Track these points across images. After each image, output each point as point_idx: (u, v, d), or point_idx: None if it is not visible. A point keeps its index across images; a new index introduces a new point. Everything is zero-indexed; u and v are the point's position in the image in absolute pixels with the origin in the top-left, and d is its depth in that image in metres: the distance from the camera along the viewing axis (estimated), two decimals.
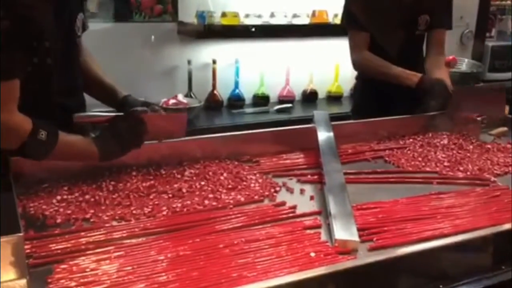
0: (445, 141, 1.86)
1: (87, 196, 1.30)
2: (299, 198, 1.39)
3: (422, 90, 2.01)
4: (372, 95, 2.22)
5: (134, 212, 1.24)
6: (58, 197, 1.29)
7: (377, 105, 2.14)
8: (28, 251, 1.03)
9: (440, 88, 1.98)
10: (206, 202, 1.32)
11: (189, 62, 2.97)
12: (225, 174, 1.49)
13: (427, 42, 2.25)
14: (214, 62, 3.02)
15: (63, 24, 1.42)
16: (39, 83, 1.33)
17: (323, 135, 1.65)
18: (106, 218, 1.21)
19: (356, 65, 2.23)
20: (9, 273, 0.91)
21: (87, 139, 1.33)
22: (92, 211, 1.24)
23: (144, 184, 1.39)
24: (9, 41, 1.16)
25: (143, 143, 1.40)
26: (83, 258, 1.04)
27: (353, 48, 2.20)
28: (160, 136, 1.47)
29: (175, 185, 1.40)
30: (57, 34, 1.37)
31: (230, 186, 1.41)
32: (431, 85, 2.01)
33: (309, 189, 1.45)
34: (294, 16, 3.13)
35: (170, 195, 1.34)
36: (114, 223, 1.19)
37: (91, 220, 1.20)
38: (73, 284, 0.95)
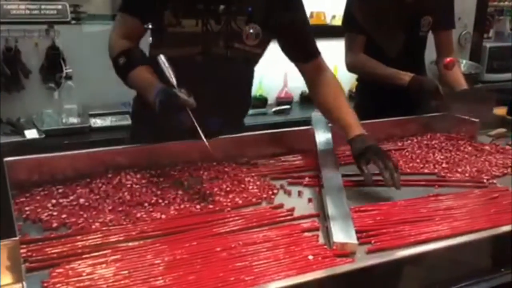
0: (444, 143, 1.85)
1: (81, 200, 1.29)
2: (297, 201, 1.38)
3: (413, 90, 2.02)
4: (373, 97, 2.22)
5: (130, 215, 1.23)
6: (53, 201, 1.28)
7: (378, 106, 2.14)
8: (24, 255, 1.03)
9: (430, 87, 1.98)
10: (203, 204, 1.31)
11: None
12: (222, 177, 1.49)
13: (436, 44, 2.26)
14: None
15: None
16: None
17: (321, 137, 1.64)
18: (101, 222, 1.19)
19: (349, 67, 2.24)
20: (5, 278, 0.90)
21: (152, 85, 1.42)
22: (86, 215, 1.22)
23: (140, 187, 1.38)
24: None
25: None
26: (79, 262, 1.03)
27: (349, 51, 2.21)
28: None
29: (172, 188, 1.39)
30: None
31: (228, 189, 1.41)
32: (421, 84, 2.01)
33: (307, 191, 1.44)
34: None
35: (167, 198, 1.33)
36: (110, 227, 1.18)
37: (86, 224, 1.19)
38: None
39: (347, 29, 2.21)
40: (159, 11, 1.54)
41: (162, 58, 1.41)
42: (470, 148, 1.81)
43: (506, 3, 4.18)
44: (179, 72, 1.38)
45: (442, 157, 1.72)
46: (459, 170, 1.62)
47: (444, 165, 1.65)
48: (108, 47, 1.59)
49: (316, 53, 1.73)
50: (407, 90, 2.04)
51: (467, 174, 1.59)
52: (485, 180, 1.54)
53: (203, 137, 1.34)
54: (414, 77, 2.04)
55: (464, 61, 3.51)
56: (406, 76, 2.05)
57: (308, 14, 3.12)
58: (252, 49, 1.63)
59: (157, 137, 1.54)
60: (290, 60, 1.75)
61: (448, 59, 2.07)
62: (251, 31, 1.58)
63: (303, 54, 1.72)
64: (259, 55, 1.70)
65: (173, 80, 1.36)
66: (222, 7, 1.55)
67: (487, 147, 1.82)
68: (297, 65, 1.75)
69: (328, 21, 3.21)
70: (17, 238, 0.93)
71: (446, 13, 2.22)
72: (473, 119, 1.94)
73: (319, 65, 1.73)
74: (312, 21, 3.15)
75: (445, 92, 1.97)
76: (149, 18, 1.59)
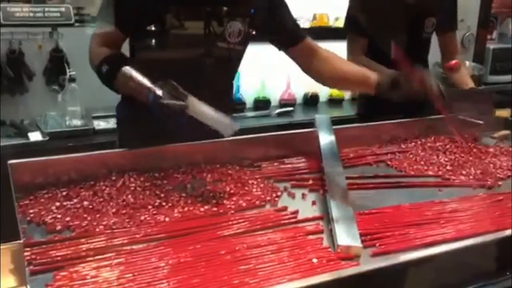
0: (447, 145, 1.84)
1: (85, 203, 1.29)
2: (301, 203, 1.38)
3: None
4: (376, 99, 2.21)
5: (134, 218, 1.23)
6: (57, 204, 1.28)
7: (382, 108, 2.13)
8: (28, 258, 1.02)
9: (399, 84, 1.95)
10: (207, 207, 1.31)
11: None
12: (226, 179, 1.49)
13: (440, 46, 2.26)
14: None
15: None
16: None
17: (325, 139, 1.64)
18: (105, 224, 1.19)
19: None
20: (9, 280, 0.91)
21: (144, 85, 1.40)
22: (90, 217, 1.22)
23: (144, 190, 1.38)
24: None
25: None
26: (83, 265, 1.03)
27: (349, 53, 2.21)
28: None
29: (176, 190, 1.39)
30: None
31: (231, 191, 1.40)
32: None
33: (311, 194, 1.44)
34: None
35: (170, 201, 1.33)
36: (114, 229, 1.18)
37: (90, 226, 1.19)
38: None
39: (349, 31, 2.21)
40: (141, 17, 1.54)
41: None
42: (474, 150, 1.80)
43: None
44: (164, 73, 1.39)
45: (446, 159, 1.72)
46: (464, 172, 1.61)
47: (448, 167, 1.65)
48: (89, 57, 1.56)
49: (303, 34, 1.76)
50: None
51: (471, 177, 1.58)
52: (489, 183, 1.53)
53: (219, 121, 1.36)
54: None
55: (467, 63, 3.50)
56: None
57: (311, 16, 3.15)
58: (235, 46, 1.64)
59: (147, 141, 1.51)
60: (280, 49, 1.77)
61: (453, 61, 2.07)
62: (233, 28, 1.59)
63: (291, 36, 1.74)
64: (242, 52, 1.71)
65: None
66: (204, 6, 1.56)
67: (491, 149, 1.82)
68: (288, 52, 1.77)
69: (331, 23, 3.21)
70: (21, 241, 0.94)
71: (449, 14, 2.22)
72: (477, 121, 1.93)
73: (310, 45, 1.76)
74: (315, 23, 3.16)
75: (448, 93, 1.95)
76: (129, 26, 1.57)
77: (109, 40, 1.57)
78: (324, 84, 1.87)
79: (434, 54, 2.34)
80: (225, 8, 1.59)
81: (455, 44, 2.29)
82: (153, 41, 1.58)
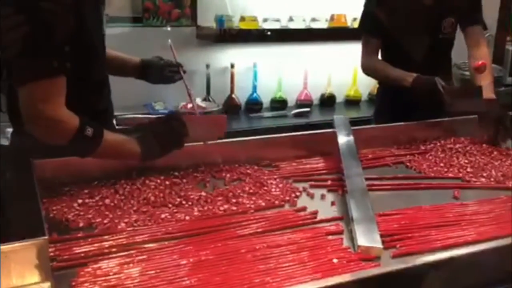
0: (467, 147, 1.83)
1: (107, 201, 1.31)
2: (320, 204, 1.38)
3: (415, 90, 1.98)
4: (393, 100, 2.21)
5: (155, 216, 1.24)
6: (80, 201, 1.30)
7: (398, 109, 2.12)
8: (52, 254, 1.04)
9: (430, 87, 1.94)
10: (227, 206, 1.31)
11: (207, 66, 2.97)
12: (245, 179, 1.49)
13: (466, 43, 2.19)
14: (232, 66, 3.03)
15: (96, 20, 1.44)
16: (76, 82, 1.31)
17: (343, 139, 1.64)
18: (126, 222, 1.21)
19: (363, 69, 2.24)
20: (34, 276, 0.92)
21: (130, 139, 1.35)
22: (112, 215, 1.24)
23: (164, 188, 1.40)
24: (54, 38, 1.20)
25: (184, 145, 1.41)
26: (106, 261, 1.04)
27: (364, 53, 2.20)
28: (201, 137, 1.51)
29: (196, 189, 1.40)
30: (92, 30, 1.39)
31: (250, 191, 1.41)
32: (422, 83, 1.97)
33: (329, 194, 1.44)
34: (313, 20, 3.12)
35: (190, 200, 1.34)
36: (135, 227, 1.19)
37: (112, 224, 1.20)
38: (97, 287, 0.96)
39: (363, 31, 2.20)
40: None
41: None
42: (495, 152, 1.79)
43: None
44: None
45: (466, 161, 1.70)
46: (484, 174, 1.60)
47: (468, 169, 1.64)
48: (56, 127, 1.24)
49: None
50: (411, 90, 2.00)
51: (492, 179, 1.57)
52: (511, 185, 1.52)
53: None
54: (416, 77, 2.00)
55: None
56: (409, 77, 2.00)
57: (328, 16, 3.14)
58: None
59: None
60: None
61: (479, 62, 1.99)
62: None
63: None
64: None
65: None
66: None
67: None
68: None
69: (349, 23, 3.20)
70: (46, 237, 0.95)
71: (470, 10, 2.16)
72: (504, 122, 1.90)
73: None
74: (333, 24, 3.15)
75: (446, 89, 1.92)
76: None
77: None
78: None
79: (454, 55, 2.31)
80: None
81: (479, 39, 2.16)
82: None
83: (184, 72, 1.77)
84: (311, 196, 1.42)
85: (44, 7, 1.19)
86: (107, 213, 1.25)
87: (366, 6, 2.20)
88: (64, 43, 1.24)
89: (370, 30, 2.15)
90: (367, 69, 2.22)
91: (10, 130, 1.51)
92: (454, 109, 1.90)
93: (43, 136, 1.26)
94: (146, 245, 1.11)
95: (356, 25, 3.13)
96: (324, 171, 1.60)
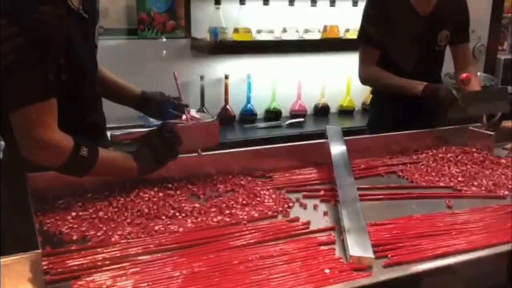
0: (459, 156, 1.85)
1: (100, 213, 1.31)
2: (313, 214, 1.39)
3: (427, 97, 2.02)
4: (387, 109, 2.23)
5: (148, 228, 1.25)
6: (73, 214, 1.30)
7: (392, 119, 2.14)
8: (45, 267, 1.04)
9: (444, 93, 1.98)
10: (220, 217, 1.32)
11: (201, 77, 2.99)
12: (238, 190, 1.50)
13: (453, 58, 2.27)
14: (226, 77, 3.04)
15: (84, 38, 1.41)
16: (66, 100, 1.31)
17: (336, 150, 1.65)
18: (120, 234, 1.21)
19: (363, 79, 2.26)
20: None
21: (125, 155, 1.36)
22: (105, 227, 1.24)
23: (157, 201, 1.40)
24: (42, 61, 1.20)
25: (178, 155, 1.44)
26: (99, 274, 1.04)
27: (363, 63, 2.22)
28: (195, 146, 1.53)
29: (189, 201, 1.41)
30: (79, 48, 1.36)
31: (244, 202, 1.42)
32: (436, 91, 2.01)
33: (322, 204, 1.45)
34: (306, 31, 3.15)
35: (184, 211, 1.35)
36: (129, 239, 1.20)
37: (106, 236, 1.21)
38: None
39: (362, 42, 2.22)
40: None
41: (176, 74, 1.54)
42: (486, 161, 1.80)
43: None
44: None
45: (457, 170, 1.72)
46: (475, 183, 1.61)
47: (460, 178, 1.65)
48: (52, 152, 1.24)
49: None
50: (422, 99, 2.03)
51: (483, 188, 1.58)
52: (501, 194, 1.53)
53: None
54: (428, 85, 2.04)
55: (478, 74, 3.49)
56: (420, 85, 2.05)
57: (321, 27, 3.17)
58: None
59: None
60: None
61: (464, 74, 2.07)
62: None
63: None
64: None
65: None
66: None
67: (503, 161, 1.82)
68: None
69: (341, 34, 3.22)
70: (39, 250, 0.95)
71: (462, 27, 2.22)
72: (488, 132, 1.93)
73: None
74: (325, 35, 3.17)
75: (460, 96, 1.96)
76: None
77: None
78: None
79: (445, 65, 2.35)
80: None
81: (467, 56, 2.30)
82: None
83: (189, 112, 1.62)
84: (304, 207, 1.43)
85: (33, 31, 1.17)
86: (100, 225, 1.25)
87: (364, 17, 2.23)
88: (54, 66, 1.23)
89: (369, 41, 2.18)
90: (368, 79, 2.24)
91: (2, 143, 1.52)
92: (474, 114, 1.94)
93: (39, 161, 1.25)
94: (139, 257, 1.11)
95: (348, 36, 3.16)
96: (317, 182, 1.61)
